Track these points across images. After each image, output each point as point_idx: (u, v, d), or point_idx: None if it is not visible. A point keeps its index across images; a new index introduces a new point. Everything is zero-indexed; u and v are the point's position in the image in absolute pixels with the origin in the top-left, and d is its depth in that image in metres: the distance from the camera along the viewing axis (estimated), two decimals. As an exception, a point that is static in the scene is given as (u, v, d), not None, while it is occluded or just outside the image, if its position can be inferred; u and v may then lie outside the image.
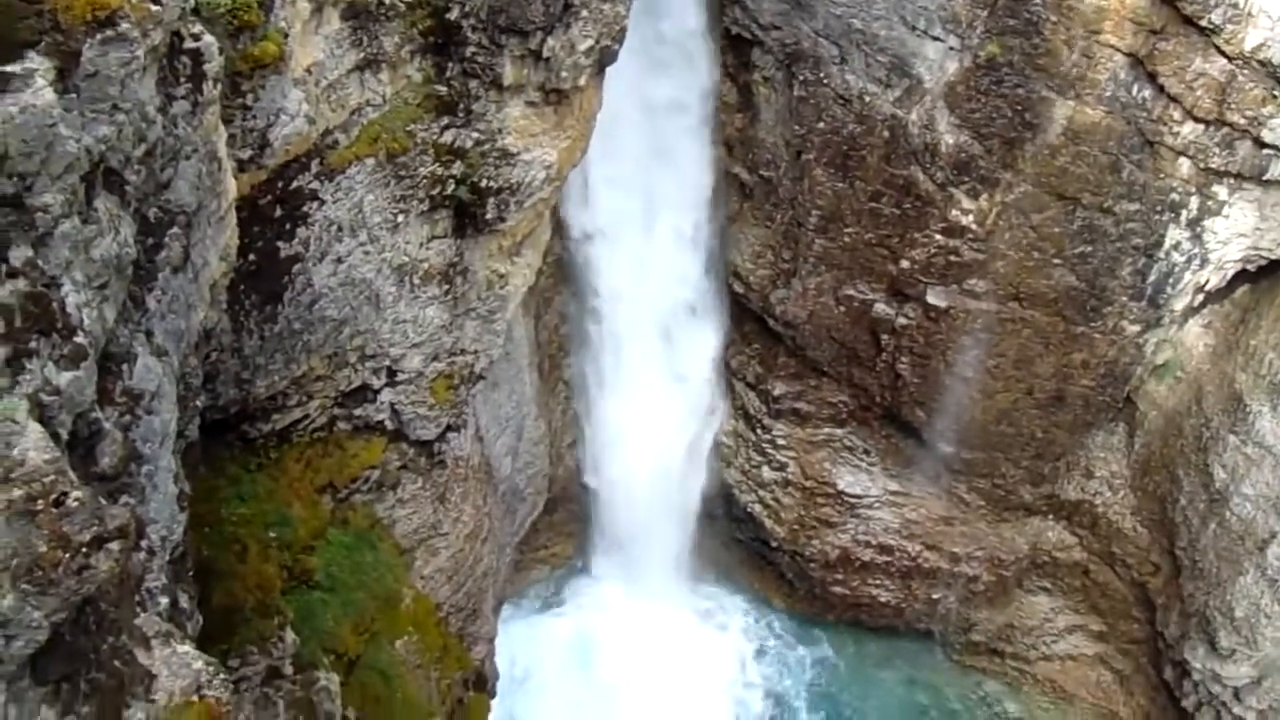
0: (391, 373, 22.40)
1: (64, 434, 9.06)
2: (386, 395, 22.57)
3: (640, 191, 30.84)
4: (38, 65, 8.89)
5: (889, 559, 35.38)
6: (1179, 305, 30.40)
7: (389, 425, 23.01)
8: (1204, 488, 30.50)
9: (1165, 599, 32.03)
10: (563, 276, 32.02)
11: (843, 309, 32.26)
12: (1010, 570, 34.69)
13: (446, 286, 22.55)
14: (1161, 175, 28.54)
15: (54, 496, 8.23)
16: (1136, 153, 28.31)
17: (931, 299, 30.76)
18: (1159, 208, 28.88)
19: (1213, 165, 28.19)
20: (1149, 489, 32.01)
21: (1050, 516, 34.01)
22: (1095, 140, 28.30)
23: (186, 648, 10.35)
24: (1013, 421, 32.14)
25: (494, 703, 26.97)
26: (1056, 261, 29.69)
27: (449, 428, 24.33)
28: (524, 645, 34.49)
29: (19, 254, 8.54)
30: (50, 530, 8.16)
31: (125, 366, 10.83)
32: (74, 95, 9.30)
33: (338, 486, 22.13)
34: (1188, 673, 31.46)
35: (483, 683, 26.40)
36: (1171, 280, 29.72)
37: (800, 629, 37.57)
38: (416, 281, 21.77)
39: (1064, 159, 28.63)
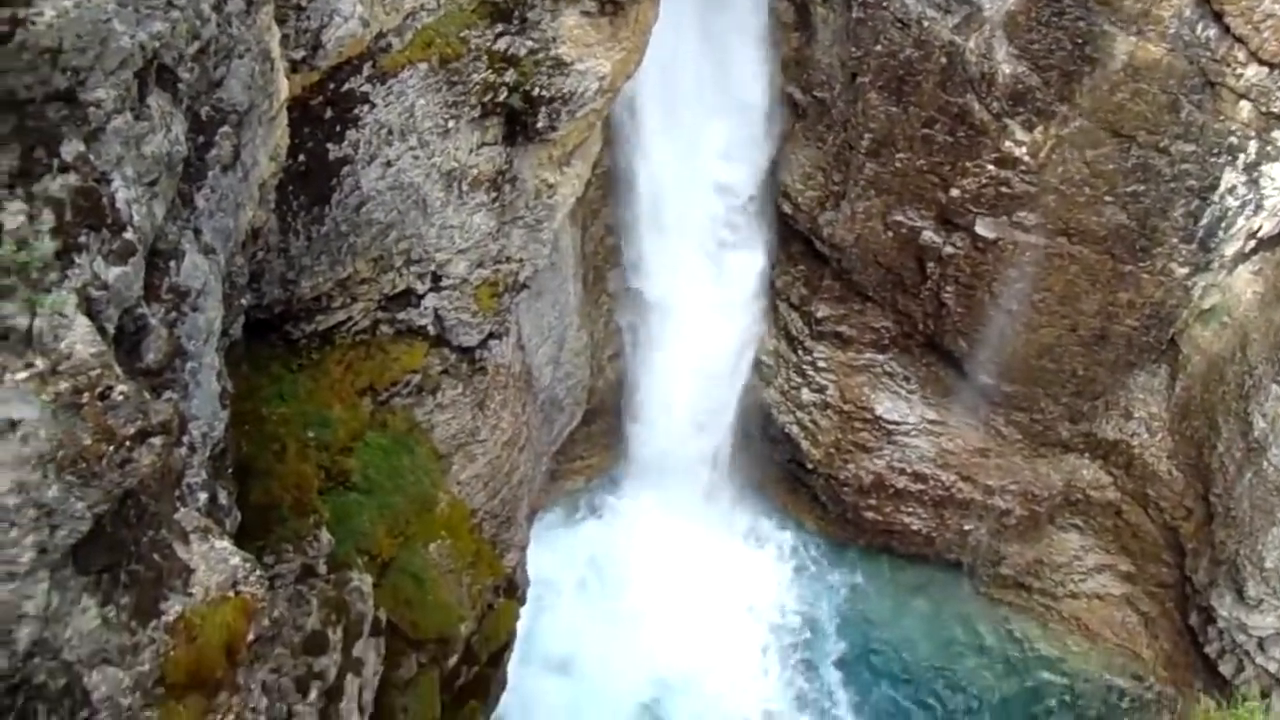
0: (436, 278, 22.45)
1: (110, 329, 9.14)
2: (430, 300, 22.63)
3: (693, 107, 30.57)
4: (94, -41, 8.87)
5: (923, 487, 35.41)
6: (1230, 250, 29.98)
7: (431, 330, 23.11)
8: (1243, 436, 30.27)
9: (1196, 545, 31.95)
10: (611, 189, 31.85)
11: (890, 234, 32.02)
12: (1043, 506, 34.66)
13: (495, 194, 22.52)
14: (1221, 117, 28.01)
15: (99, 390, 8.33)
16: (1197, 93, 27.79)
17: (980, 229, 30.48)
18: (1216, 150, 28.39)
19: (1274, 110, 27.65)
20: (1187, 433, 31.81)
21: (1086, 455, 33.88)
22: (1155, 78, 27.79)
23: (224, 543, 10.51)
24: (1054, 357, 31.94)
25: (523, 610, 27.26)
26: (1108, 199, 29.29)
27: (491, 335, 24.41)
28: (556, 554, 34.81)
29: (70, 149, 8.57)
30: (95, 423, 8.27)
31: (173, 263, 10.90)
32: (129, -10, 9.28)
33: (378, 389, 22.28)
34: (1213, 620, 31.45)
35: (513, 589, 26.70)
36: (1224, 224, 29.29)
37: (831, 552, 37.75)
38: (465, 188, 21.75)
39: (1122, 95, 28.13)
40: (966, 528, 35.46)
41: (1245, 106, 27.87)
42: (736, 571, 36.89)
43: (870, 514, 36.37)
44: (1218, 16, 26.97)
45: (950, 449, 34.80)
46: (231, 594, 10.12)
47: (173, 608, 9.41)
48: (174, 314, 10.96)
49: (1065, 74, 28.46)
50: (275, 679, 12.18)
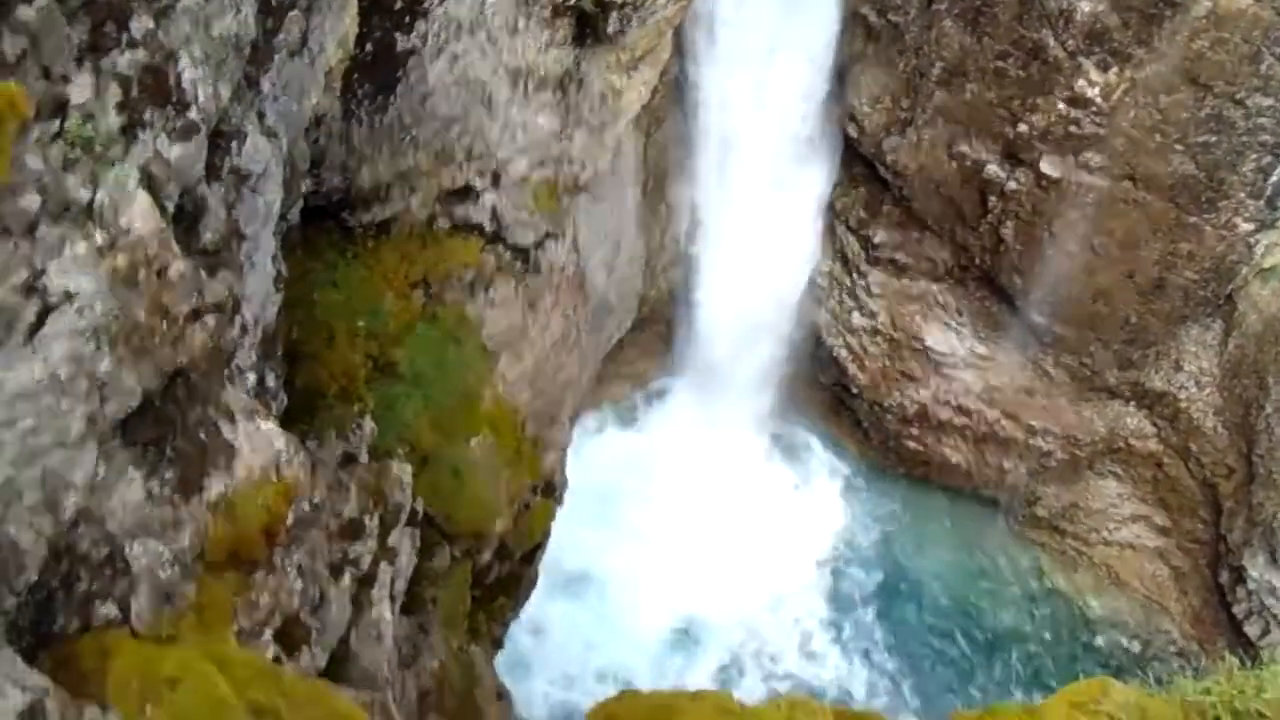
0: (496, 175, 22.41)
1: (170, 206, 9.22)
2: (489, 197, 22.62)
3: (765, 23, 30.17)
4: None
5: (966, 422, 35.31)
6: (1296, 209, 29.51)
7: (488, 227, 23.11)
8: (1292, 399, 30.03)
9: (1234, 504, 31.76)
10: (678, 99, 31.61)
11: (954, 165, 31.64)
12: (1084, 450, 34.49)
13: (560, 95, 22.40)
14: (1302, 72, 27.44)
15: (157, 267, 8.43)
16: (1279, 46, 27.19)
17: (1045, 167, 30.05)
18: (1294, 106, 27.83)
19: (1357, 69, 27.06)
20: (1235, 391, 31.48)
21: (1132, 403, 33.61)
22: (1239, 28, 27.11)
23: (270, 425, 10.64)
24: (1109, 302, 31.59)
25: (559, 510, 27.50)
26: (1178, 147, 28.75)
27: (547, 235, 24.41)
28: (597, 458, 35.04)
29: (140, 25, 8.58)
30: (151, 299, 8.38)
31: (235, 145, 10.95)
32: None
33: (431, 282, 22.34)
34: (1243, 580, 31.33)
35: (551, 490, 26.92)
36: (1293, 182, 28.80)
37: (870, 479, 37.82)
38: (530, 87, 21.63)
39: (1202, 43, 27.48)
40: (1006, 466, 35.38)
41: (1327, 64, 27.27)
42: (772, 491, 37.05)
43: (912, 444, 36.35)
44: (1309, -33, 26.32)
45: (996, 385, 34.62)
46: (274, 476, 10.26)
47: (215, 486, 9.56)
48: (233, 195, 11.02)
49: (1145, 16, 27.83)
50: (311, 563, 12.39)
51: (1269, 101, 27.80)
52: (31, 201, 7.40)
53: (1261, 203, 29.17)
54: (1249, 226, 29.62)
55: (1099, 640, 34.67)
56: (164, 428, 8.96)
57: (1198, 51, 27.73)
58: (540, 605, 29.47)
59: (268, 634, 10.54)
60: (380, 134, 19.12)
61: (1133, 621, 34.77)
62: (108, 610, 8.37)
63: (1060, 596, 35.53)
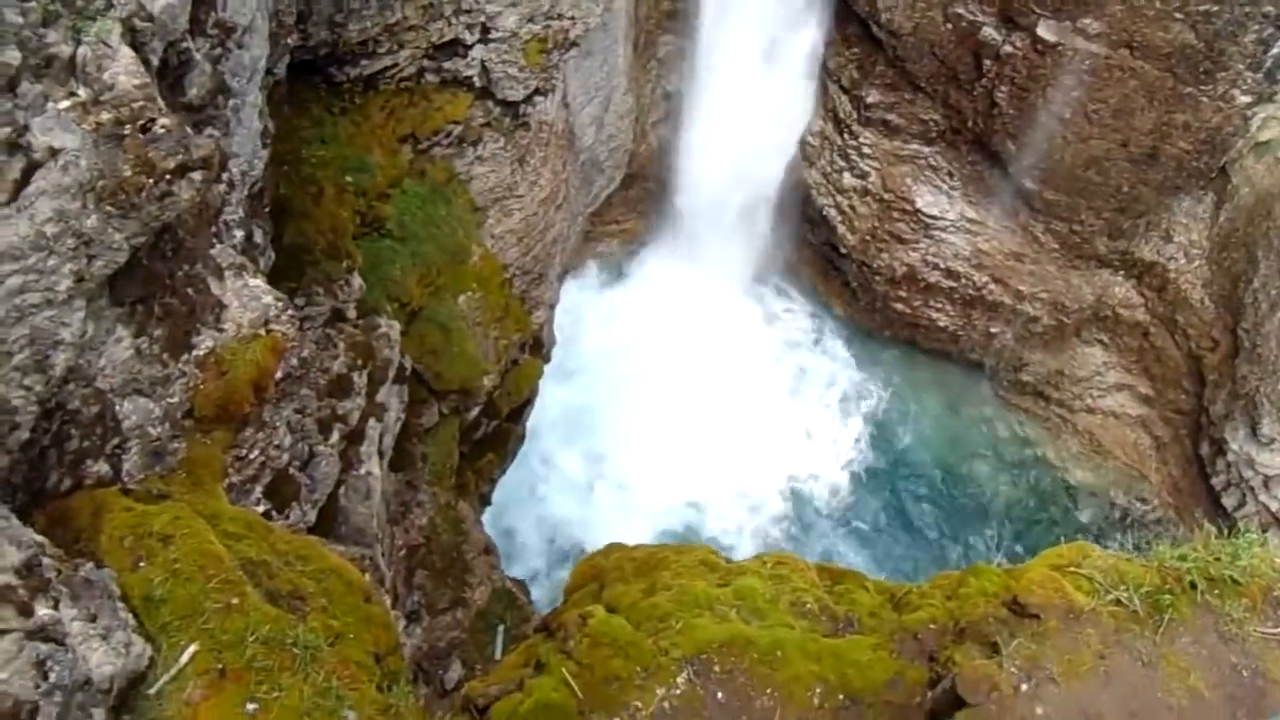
0: (485, 29, 22.13)
1: (154, 61, 9.10)
2: (478, 52, 22.36)
3: None
4: None
5: (954, 285, 35.31)
6: (1296, 84, 29.16)
7: (477, 82, 22.89)
8: (1280, 274, 30.05)
9: (1218, 376, 31.93)
10: (671, -49, 31.11)
11: (949, 26, 31.17)
12: (1071, 318, 34.58)
13: (551, -53, 22.07)
14: (1307, -57, 26.95)
15: (142, 122, 8.33)
16: (1285, -88, 26.69)
17: (1042, 31, 29.59)
18: (1299, -22, 27.38)
19: (1361, -57, 26.60)
20: (1224, 264, 31.47)
21: (1121, 272, 33.60)
22: (1244, -110, 26.65)
23: (257, 281, 10.62)
24: (1101, 170, 31.38)
25: (545, 367, 27.63)
26: (1178, 15, 28.29)
27: (537, 91, 24.18)
28: (584, 314, 35.10)
29: (122, -127, 8.39)
30: (136, 155, 8.29)
31: (220, -2, 10.79)
32: None
33: (419, 138, 22.20)
34: (1223, 452, 31.64)
35: (539, 347, 27.04)
36: (1293, 57, 28.42)
37: (856, 340, 37.92)
38: (520, -61, 21.29)
39: (1207, -95, 27.00)
40: (993, 330, 35.49)
41: (1333, -67, 26.79)
42: (759, 343, 37.17)
43: (899, 305, 36.40)
44: None
45: (985, 250, 34.57)
46: (262, 332, 10.26)
47: (204, 342, 9.58)
48: (219, 50, 10.87)
49: (1147, -124, 27.29)
50: (299, 419, 12.48)
51: (1273, -28, 27.39)
52: (12, 57, 7.30)
53: (1260, 75, 28.83)
54: (1246, 99, 29.32)
55: (1080, 506, 35.14)
56: (152, 285, 8.95)
57: (1200, -84, 27.23)
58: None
59: (258, 490, 10.66)
60: (368, -14, 18.83)
61: (1113, 489, 35.20)
62: (99, 468, 8.44)
63: (1043, 463, 35.92)
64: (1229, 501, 31.79)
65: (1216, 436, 31.86)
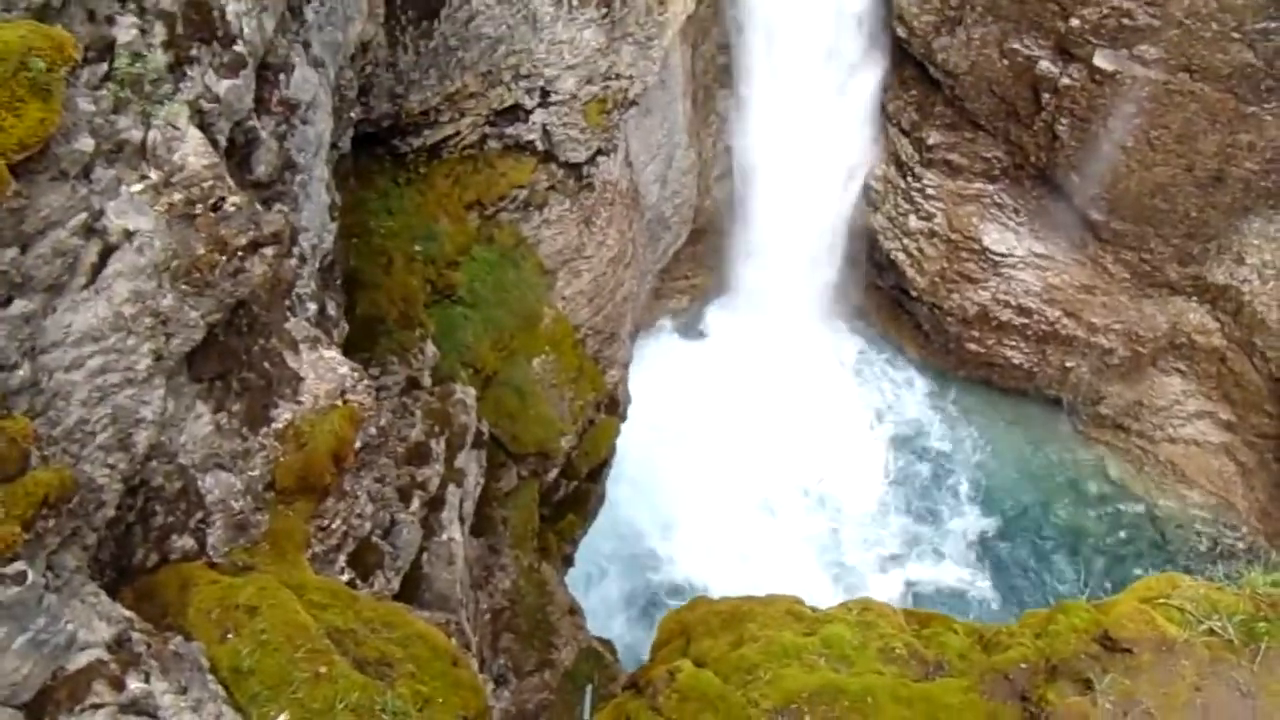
0: (545, 93, 22.37)
1: (222, 141, 9.28)
2: (539, 116, 22.59)
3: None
4: None
5: (1026, 321, 34.98)
6: (1361, 96, 28.73)
7: (539, 146, 23.12)
8: (1356, 292, 29.51)
9: (1298, 398, 31.39)
10: (723, 7, 31.26)
11: (1006, 63, 31.09)
12: (1147, 347, 34.10)
13: (605, 9, 22.24)
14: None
15: (212, 201, 8.50)
16: (1340, -72, 26.43)
17: (1099, 61, 29.43)
18: (1355, -10, 27.07)
19: None
20: (1300, 283, 30.98)
21: (1194, 298, 33.12)
22: (1296, -91, 26.46)
23: (333, 353, 10.75)
24: (1168, 197, 31.05)
25: (624, 426, 27.63)
26: (1235, 35, 28.04)
27: (599, 151, 24.36)
28: (658, 370, 35.12)
29: (183, -40, 8.60)
30: (208, 233, 8.46)
31: (283, 76, 10.98)
32: None
33: (485, 204, 22.42)
34: (1310, 476, 31.08)
35: (614, 406, 27.05)
36: (1356, 69, 28.04)
37: (932, 381, 37.67)
38: (575, 3, 21.50)
39: (1258, -73, 26.82)
40: (1068, 365, 35.07)
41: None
42: (836, 391, 37.01)
43: (973, 345, 36.11)
44: None
45: (1056, 284, 34.24)
46: (339, 402, 10.37)
47: (283, 415, 9.70)
48: (284, 126, 11.06)
49: (1197, -99, 27.17)
50: (380, 487, 12.55)
51: (1328, -16, 27.10)
52: (86, 144, 7.47)
53: (1322, 88, 28.51)
54: (1312, 114, 28.99)
55: (1167, 538, 34.52)
56: (229, 360, 9.08)
57: (1253, -64, 27.04)
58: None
59: (341, 559, 10.73)
60: (427, 58, 19.10)
61: (1200, 518, 34.56)
62: (184, 543, 8.55)
63: (1127, 495, 35.33)
64: (1320, 527, 31.15)
65: (1302, 459, 31.24)
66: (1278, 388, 32.15)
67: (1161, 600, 8.56)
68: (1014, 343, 35.58)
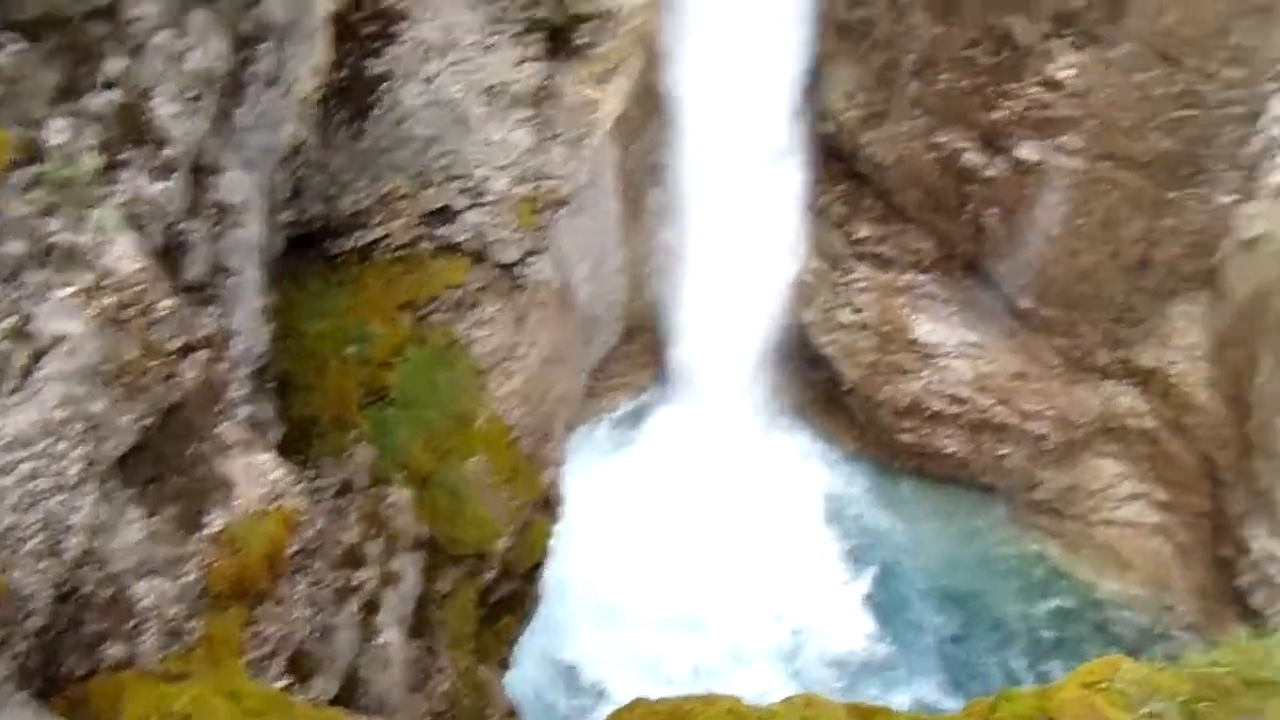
0: (476, 194, 22.47)
1: (154, 244, 9.24)
2: (470, 216, 22.67)
3: (734, 22, 30.19)
4: (137, -126, 8.87)
5: (960, 411, 35.24)
6: (1276, 180, 29.45)
7: (471, 246, 23.16)
8: (1283, 367, 30.03)
9: (1233, 476, 31.69)
10: (652, 106, 31.63)
11: (932, 156, 31.70)
12: (1080, 432, 34.44)
13: (535, 110, 22.46)
14: (1272, 43, 27.49)
15: (144, 305, 8.45)
16: (1248, 17, 27.23)
17: (1023, 152, 30.12)
18: (1266, 76, 27.91)
19: (1327, 35, 27.18)
20: (1227, 363, 31.45)
21: (1124, 381, 33.57)
22: (1206, 1, 27.31)
23: (267, 457, 10.66)
24: (1095, 283, 31.62)
25: (558, 526, 27.46)
26: (1154, 124, 28.84)
27: (531, 251, 24.44)
28: (592, 470, 34.98)
29: (114, 65, 8.63)
30: (140, 338, 8.40)
31: (215, 179, 10.98)
32: (171, -94, 9.28)
33: (418, 305, 22.39)
34: (1246, 551, 31.23)
35: (550, 506, 26.91)
36: (1271, 152, 28.81)
37: (867, 472, 37.71)
38: (505, 104, 21.70)
39: (1171, 18, 27.60)
40: (1002, 452, 35.32)
41: (1295, 31, 27.38)
42: (770, 486, 36.95)
43: (907, 436, 36.28)
44: (1271, -64, 26.48)
45: (988, 372, 34.60)
46: (273, 507, 10.27)
47: (216, 520, 9.58)
48: (216, 229, 11.05)
49: (1112, -4, 28.03)
50: (316, 591, 12.38)
51: (1240, 73, 27.91)
52: (15, 246, 7.43)
53: (1241, 174, 29.23)
54: (1230, 199, 29.67)
55: (1107, 621, 34.59)
56: (162, 465, 8.97)
57: (1167, 27, 27.85)
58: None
59: (277, 665, 10.54)
60: (358, 159, 19.18)
61: (1139, 600, 34.69)
62: (117, 650, 8.37)
63: (1066, 580, 35.40)
64: (1258, 601, 31.29)
65: (1237, 536, 31.50)
66: (1210, 467, 32.55)
67: (1104, 684, 8.59)
68: (948, 432, 35.82)
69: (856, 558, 35.92)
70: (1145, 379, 33.13)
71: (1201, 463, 32.74)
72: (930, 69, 30.60)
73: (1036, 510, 36.17)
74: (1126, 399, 33.75)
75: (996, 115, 30.11)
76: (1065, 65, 29.00)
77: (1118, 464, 34.74)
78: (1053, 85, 29.23)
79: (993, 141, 30.54)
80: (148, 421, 8.44)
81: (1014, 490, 36.07)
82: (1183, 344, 32.26)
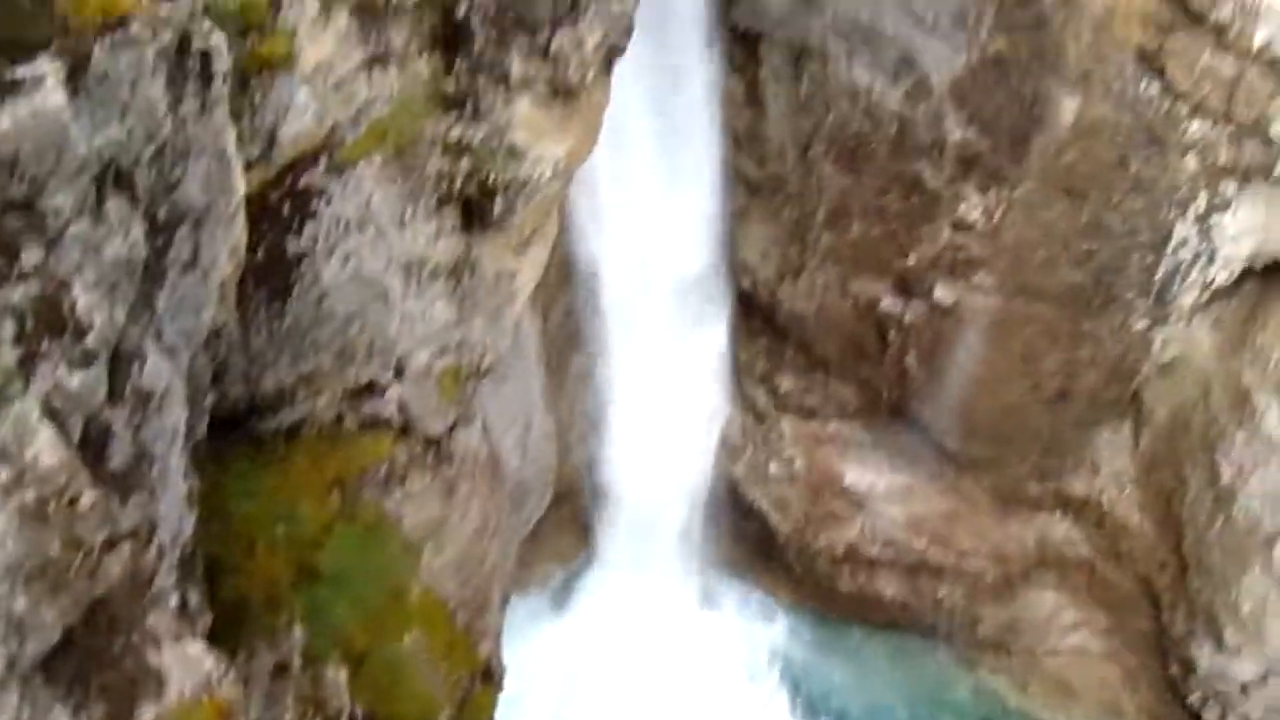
0: (399, 368, 22.39)
1: (75, 435, 9.09)
2: (394, 390, 22.55)
3: (647, 187, 30.77)
4: (48, 68, 8.91)
5: (895, 554, 35.26)
6: (1187, 302, 30.28)
7: (397, 420, 22.99)
8: (1210, 484, 30.43)
9: (1172, 596, 31.94)
10: (570, 272, 31.99)
11: (850, 304, 32.21)
12: (1016, 566, 34.58)
13: (454, 282, 22.54)
14: (1169, 171, 28.47)
15: (66, 498, 8.29)
16: (1144, 149, 28.27)
17: (938, 295, 30.72)
18: (1167, 204, 28.82)
19: (1220, 162, 28.13)
20: (1155, 485, 31.91)
21: (1057, 512, 33.88)
22: (1103, 136, 28.28)
23: (197, 646, 10.39)
24: (1019, 417, 32.05)
25: (500, 696, 26.94)
26: (1063, 258, 29.63)
27: (457, 423, 24.32)
28: (529, 638, 34.47)
29: (30, 257, 8.57)
30: (63, 532, 8.22)
31: (135, 366, 10.85)
32: (84, 97, 9.32)
33: (345, 482, 22.11)
34: (1194, 669, 31.39)
35: (490, 676, 26.42)
36: (1179, 277, 29.65)
37: (807, 624, 37.46)
38: (424, 278, 21.77)
39: (1071, 155, 28.57)
40: (940, 593, 35.29)
41: (1192, 159, 28.37)
42: (710, 650, 36.58)
43: (845, 584, 36.15)
44: (1159, 73, 27.52)
45: (921, 514, 34.73)
46: (206, 698, 9.98)
47: (146, 714, 9.28)
48: (138, 417, 10.89)
49: (1014, 137, 28.90)
50: (254, 781, 12.01)
51: (1142, 203, 28.82)
52: (-69, 445, 7.28)
53: (1151, 300, 30.00)
54: (1143, 325, 30.39)
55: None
56: (88, 661, 8.71)
57: (1068, 164, 28.78)
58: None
59: None
60: (280, 339, 19.09)
61: (1092, 727, 34.52)
62: None
63: (1015, 715, 35.20)
64: (1210, 717, 31.30)
65: (1183, 655, 31.59)
66: (1149, 589, 32.74)
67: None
68: (886, 577, 35.79)
69: (807, 711, 35.48)
70: (1077, 508, 33.45)
71: (1141, 586, 32.94)
72: (842, 219, 31.25)
73: (981, 648, 36.06)
74: (1060, 529, 34.01)
75: (910, 260, 30.75)
76: (973, 206, 29.76)
77: (1057, 594, 34.83)
78: (963, 227, 30.00)
79: (908, 286, 31.12)
80: (72, 617, 8.21)
81: (957, 630, 35.97)
82: (1111, 470, 32.68)
